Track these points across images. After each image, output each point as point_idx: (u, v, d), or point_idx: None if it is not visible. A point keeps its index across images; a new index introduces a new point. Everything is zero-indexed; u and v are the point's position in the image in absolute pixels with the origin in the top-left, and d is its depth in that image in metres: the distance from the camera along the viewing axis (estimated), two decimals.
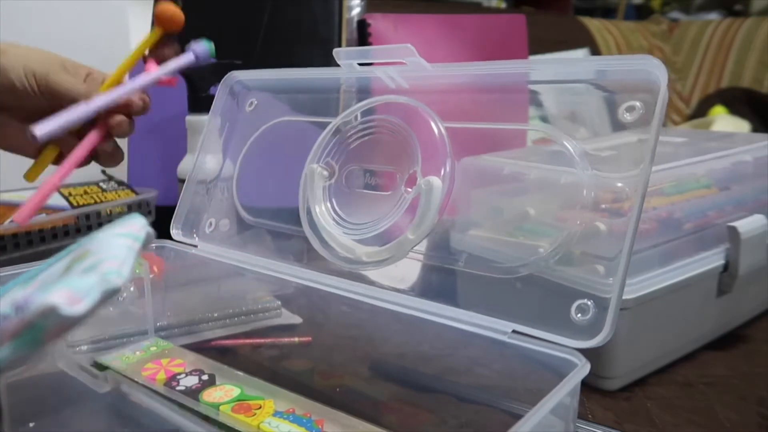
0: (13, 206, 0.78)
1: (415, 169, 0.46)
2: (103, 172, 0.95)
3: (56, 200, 0.82)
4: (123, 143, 0.99)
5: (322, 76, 0.56)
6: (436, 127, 0.46)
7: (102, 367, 0.51)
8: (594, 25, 1.71)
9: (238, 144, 0.60)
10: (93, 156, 0.55)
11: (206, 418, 0.43)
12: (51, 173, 0.51)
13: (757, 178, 0.67)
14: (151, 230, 0.30)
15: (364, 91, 0.52)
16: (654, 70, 0.37)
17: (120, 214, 0.84)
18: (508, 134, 0.52)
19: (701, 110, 1.50)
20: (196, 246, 0.58)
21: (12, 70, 0.51)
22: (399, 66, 0.48)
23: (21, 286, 0.29)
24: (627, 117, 0.39)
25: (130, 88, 0.53)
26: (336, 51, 0.50)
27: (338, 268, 0.48)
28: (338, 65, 0.51)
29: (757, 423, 0.49)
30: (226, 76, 0.59)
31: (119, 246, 0.28)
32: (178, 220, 0.59)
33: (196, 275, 0.60)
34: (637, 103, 0.38)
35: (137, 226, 0.30)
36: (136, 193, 0.89)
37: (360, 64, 0.50)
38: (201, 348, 0.57)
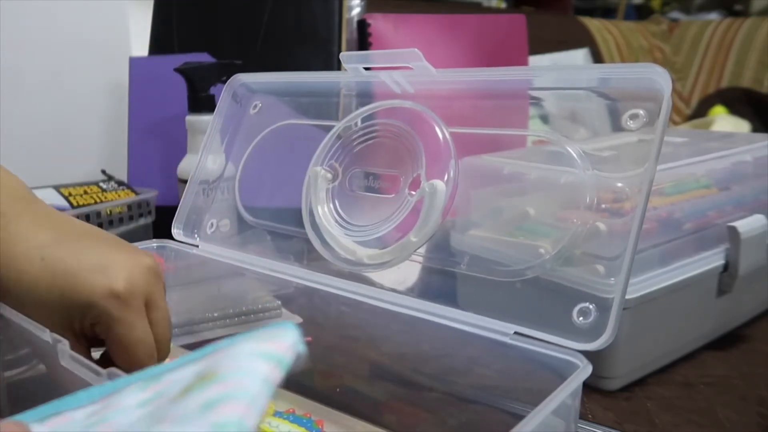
0: None
1: (418, 173, 0.46)
2: (103, 172, 0.95)
3: (56, 200, 0.81)
4: (123, 143, 1.00)
5: (327, 80, 0.56)
6: (441, 131, 0.46)
7: None
8: (594, 25, 1.71)
9: (240, 145, 0.60)
10: None
11: None
12: None
13: (757, 178, 0.67)
14: (302, 349, 0.24)
15: (367, 95, 0.52)
16: (657, 77, 0.37)
17: (120, 214, 0.84)
18: (511, 139, 0.52)
19: (701, 110, 1.51)
20: (197, 246, 0.58)
21: None
22: (404, 70, 0.48)
23: (143, 383, 0.26)
24: (630, 125, 0.39)
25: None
26: (342, 55, 0.50)
27: (339, 268, 0.48)
28: (340, 66, 0.51)
29: (757, 423, 0.49)
30: (230, 79, 0.59)
31: (254, 375, 0.22)
32: (180, 220, 0.59)
33: (196, 275, 0.60)
34: (641, 111, 0.38)
35: (286, 344, 0.24)
36: (136, 193, 0.89)
37: (365, 68, 0.50)
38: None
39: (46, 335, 0.35)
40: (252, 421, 0.21)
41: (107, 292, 0.35)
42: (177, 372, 0.25)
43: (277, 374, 0.23)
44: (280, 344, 0.24)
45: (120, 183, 0.90)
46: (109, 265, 0.36)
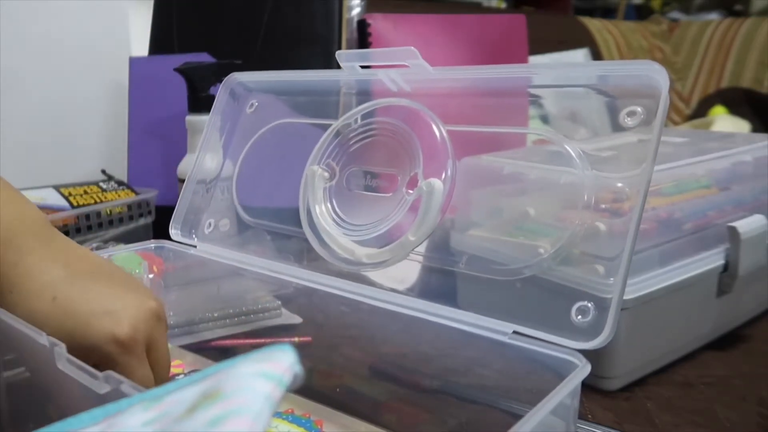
0: None
1: (416, 171, 0.46)
2: (103, 172, 0.95)
3: (56, 200, 0.81)
4: (123, 143, 1.00)
5: (323, 78, 0.56)
6: (438, 129, 0.46)
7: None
8: (594, 25, 1.71)
9: (238, 144, 0.60)
10: None
11: None
12: None
13: (757, 178, 0.67)
14: (299, 370, 0.25)
15: (364, 94, 0.52)
16: (655, 75, 0.37)
17: (120, 214, 0.84)
18: (509, 137, 0.52)
19: (701, 110, 1.51)
20: (195, 246, 0.58)
21: None
22: (401, 69, 0.48)
23: (146, 404, 0.27)
24: (628, 122, 0.39)
25: None
26: (338, 53, 0.50)
27: (338, 268, 0.48)
28: (339, 66, 0.51)
29: (757, 423, 0.49)
30: (227, 78, 0.59)
31: (257, 393, 0.23)
32: (178, 220, 0.59)
33: (195, 275, 0.60)
34: (639, 109, 0.38)
35: (284, 365, 0.25)
36: (136, 193, 0.89)
37: (362, 67, 0.50)
38: (201, 348, 0.57)
39: (43, 339, 0.35)
40: None
41: (111, 338, 0.37)
42: (179, 393, 0.26)
43: (278, 393, 0.24)
44: (279, 365, 0.25)
45: (120, 183, 0.90)
46: (115, 311, 0.38)
